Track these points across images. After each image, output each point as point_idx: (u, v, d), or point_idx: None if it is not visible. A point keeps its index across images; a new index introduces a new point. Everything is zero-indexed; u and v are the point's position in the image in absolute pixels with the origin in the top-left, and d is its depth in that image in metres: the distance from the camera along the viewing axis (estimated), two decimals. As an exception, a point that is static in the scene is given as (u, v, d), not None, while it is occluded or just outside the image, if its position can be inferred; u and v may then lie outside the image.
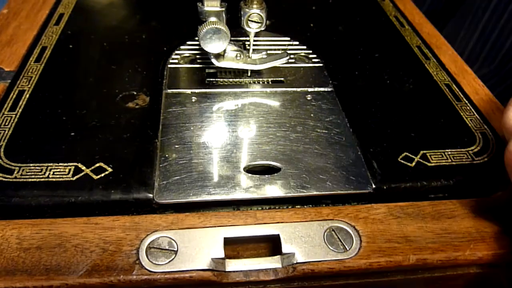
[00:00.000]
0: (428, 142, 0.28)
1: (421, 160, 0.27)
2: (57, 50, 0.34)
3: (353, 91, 0.32)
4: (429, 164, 0.27)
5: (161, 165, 0.25)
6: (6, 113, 0.28)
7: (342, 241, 0.23)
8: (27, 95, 0.30)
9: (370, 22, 0.40)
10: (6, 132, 0.27)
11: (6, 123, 0.27)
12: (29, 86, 0.30)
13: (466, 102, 0.32)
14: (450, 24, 0.60)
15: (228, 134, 0.28)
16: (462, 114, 0.31)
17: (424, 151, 0.28)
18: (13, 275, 0.21)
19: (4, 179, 0.24)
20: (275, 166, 0.26)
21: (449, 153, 0.28)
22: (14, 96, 0.30)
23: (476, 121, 0.30)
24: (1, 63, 0.33)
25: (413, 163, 0.27)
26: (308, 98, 0.31)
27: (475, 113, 0.31)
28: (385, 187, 0.25)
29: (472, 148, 0.28)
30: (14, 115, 0.28)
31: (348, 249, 0.23)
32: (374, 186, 0.25)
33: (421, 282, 0.25)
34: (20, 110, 0.28)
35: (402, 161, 0.27)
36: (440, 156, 0.28)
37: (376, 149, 0.28)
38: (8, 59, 0.34)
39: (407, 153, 0.27)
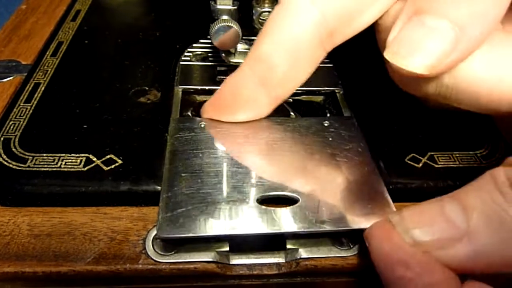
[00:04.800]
0: (435, 144, 0.28)
1: (428, 161, 0.27)
2: (73, 45, 0.35)
3: (362, 92, 0.32)
4: (436, 166, 0.27)
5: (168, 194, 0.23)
6: (21, 104, 0.29)
7: (345, 238, 0.24)
8: (43, 88, 0.30)
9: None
10: (21, 122, 0.28)
11: (22, 114, 0.28)
12: (44, 79, 0.31)
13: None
14: None
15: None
16: (471, 116, 0.31)
17: (432, 153, 0.28)
18: (23, 260, 0.22)
19: (17, 168, 0.25)
20: (293, 197, 0.24)
21: (457, 155, 0.28)
22: (30, 88, 0.30)
23: (485, 124, 0.30)
24: (18, 57, 0.34)
25: (420, 164, 0.27)
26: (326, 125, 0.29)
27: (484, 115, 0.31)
28: (391, 187, 0.25)
29: (480, 151, 0.28)
30: (29, 107, 0.29)
31: (351, 246, 0.23)
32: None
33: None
34: (35, 102, 0.29)
35: (408, 162, 0.27)
36: (448, 158, 0.28)
37: (384, 150, 0.28)
38: (25, 53, 0.35)
39: (414, 154, 0.27)
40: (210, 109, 0.28)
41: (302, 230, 0.22)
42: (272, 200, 0.24)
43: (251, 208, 0.23)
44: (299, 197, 0.23)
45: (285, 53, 0.24)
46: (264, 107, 0.26)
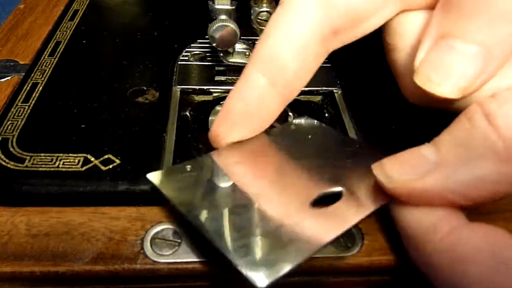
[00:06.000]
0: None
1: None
2: (70, 45, 0.35)
3: (360, 92, 0.32)
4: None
5: None
6: (19, 104, 0.29)
7: (344, 238, 0.24)
8: (41, 88, 0.30)
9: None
10: (19, 122, 0.28)
11: (20, 114, 0.28)
12: (42, 79, 0.31)
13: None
14: None
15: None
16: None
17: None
18: (21, 260, 0.22)
19: (15, 168, 0.25)
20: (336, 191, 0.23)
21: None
22: (28, 88, 0.30)
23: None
24: (16, 56, 0.34)
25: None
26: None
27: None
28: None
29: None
30: (27, 107, 0.29)
31: (349, 246, 0.23)
32: None
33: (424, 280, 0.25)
34: (33, 102, 0.29)
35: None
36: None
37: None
38: (23, 52, 0.35)
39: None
40: (221, 129, 0.25)
41: (366, 213, 0.21)
42: (318, 201, 0.22)
43: (310, 214, 0.21)
44: (342, 189, 0.22)
45: (293, 52, 0.24)
46: (275, 111, 0.25)
